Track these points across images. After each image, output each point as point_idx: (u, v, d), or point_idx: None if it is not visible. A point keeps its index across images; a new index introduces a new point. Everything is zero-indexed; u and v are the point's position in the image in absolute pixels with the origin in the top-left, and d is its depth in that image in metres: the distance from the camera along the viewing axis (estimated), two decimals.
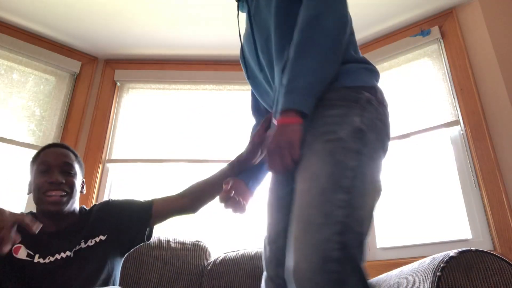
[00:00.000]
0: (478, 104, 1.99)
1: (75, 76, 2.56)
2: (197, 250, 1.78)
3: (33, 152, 2.28)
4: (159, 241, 1.73)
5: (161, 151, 2.45)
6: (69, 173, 1.25)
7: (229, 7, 2.21)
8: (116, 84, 2.63)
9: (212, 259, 1.80)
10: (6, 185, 2.25)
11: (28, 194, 1.28)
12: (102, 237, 1.26)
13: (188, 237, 1.84)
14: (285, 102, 0.82)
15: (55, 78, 2.51)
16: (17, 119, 2.31)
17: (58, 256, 1.18)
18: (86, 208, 1.37)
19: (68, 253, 1.19)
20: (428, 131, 2.13)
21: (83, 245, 1.23)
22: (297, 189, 0.78)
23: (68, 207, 1.24)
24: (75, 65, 2.54)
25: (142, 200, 1.38)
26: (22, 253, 1.14)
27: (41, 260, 1.15)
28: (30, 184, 1.27)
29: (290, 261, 0.70)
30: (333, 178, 0.73)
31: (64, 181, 1.22)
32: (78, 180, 1.30)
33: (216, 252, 1.87)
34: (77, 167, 1.30)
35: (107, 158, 2.43)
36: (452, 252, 1.07)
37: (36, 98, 2.41)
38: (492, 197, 1.83)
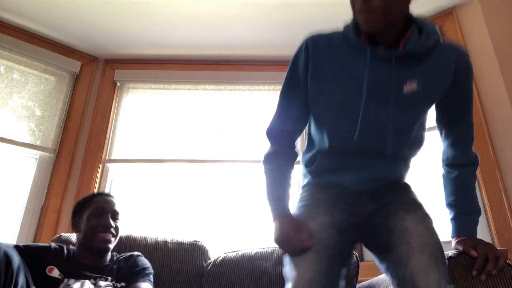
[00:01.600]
0: (478, 104, 1.99)
1: (75, 76, 2.57)
2: (195, 250, 1.75)
3: (33, 152, 2.29)
4: (156, 242, 1.72)
5: (161, 151, 2.45)
6: (117, 219, 1.49)
7: (229, 7, 2.21)
8: (116, 84, 2.63)
9: (211, 259, 1.80)
10: (6, 185, 2.25)
11: (74, 232, 1.49)
12: (123, 284, 1.39)
13: (186, 237, 1.83)
14: (474, 229, 1.13)
15: (55, 78, 2.51)
16: (17, 119, 2.31)
17: (87, 282, 1.31)
18: (116, 254, 1.53)
19: (93, 281, 1.33)
20: (428, 131, 2.12)
21: (109, 281, 1.37)
22: (415, 229, 1.01)
23: (112, 248, 1.45)
24: (75, 65, 2.55)
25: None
26: (55, 273, 1.31)
27: (71, 282, 1.30)
28: (78, 223, 1.47)
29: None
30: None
31: (114, 226, 1.46)
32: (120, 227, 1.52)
33: (215, 252, 1.85)
34: (120, 217, 1.52)
35: (107, 158, 2.43)
36: (451, 253, 1.07)
37: (36, 98, 2.42)
38: (492, 197, 1.82)
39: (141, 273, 1.44)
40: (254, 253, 1.70)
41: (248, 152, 2.45)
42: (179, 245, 1.74)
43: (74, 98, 2.50)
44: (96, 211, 1.45)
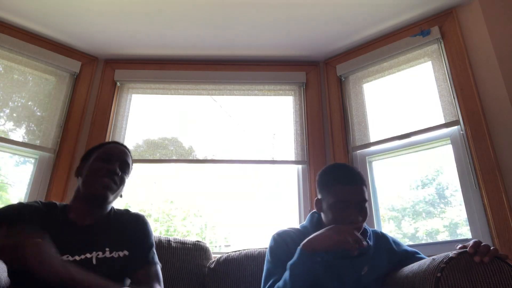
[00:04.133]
0: (478, 104, 1.99)
1: (75, 76, 2.56)
2: (197, 250, 1.78)
3: (33, 151, 2.28)
4: (159, 240, 1.74)
5: (161, 151, 2.45)
6: (125, 172, 1.35)
7: (229, 8, 2.21)
8: (116, 84, 2.63)
9: (213, 259, 1.81)
10: (6, 185, 2.25)
11: (76, 176, 1.35)
12: (126, 253, 1.25)
13: (188, 237, 1.84)
14: None
15: (55, 78, 2.51)
16: (17, 119, 2.31)
17: (82, 257, 1.17)
18: (116, 210, 1.38)
19: (89, 255, 1.18)
20: (428, 131, 2.13)
21: (107, 254, 1.22)
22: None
23: (110, 199, 1.29)
24: (75, 65, 2.54)
25: (153, 249, 1.33)
26: None
27: (83, 256, 1.17)
28: (81, 168, 1.34)
29: None
30: None
31: (120, 173, 1.30)
32: (125, 183, 1.37)
33: (217, 251, 1.87)
34: (129, 172, 1.38)
35: None
36: (452, 253, 1.07)
37: (36, 98, 2.41)
38: (492, 197, 1.82)
39: (151, 252, 1.29)
40: (257, 253, 1.73)
41: (248, 152, 2.45)
42: (182, 245, 1.76)
43: (74, 98, 2.50)
44: (104, 156, 1.32)
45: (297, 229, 1.42)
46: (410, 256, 1.42)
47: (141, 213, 1.41)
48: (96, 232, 1.24)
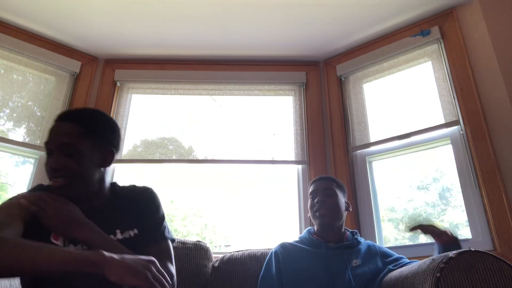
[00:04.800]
0: (478, 104, 1.99)
1: (75, 76, 2.56)
2: (198, 250, 1.79)
3: (33, 151, 2.28)
4: None
5: (160, 151, 2.45)
6: (69, 155, 1.10)
7: (229, 7, 2.21)
8: (116, 84, 2.63)
9: (214, 259, 1.82)
10: (6, 185, 2.25)
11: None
12: (136, 232, 1.16)
13: (188, 237, 1.85)
14: None
15: (55, 78, 2.51)
16: (17, 119, 2.31)
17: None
18: (122, 186, 1.26)
19: (117, 235, 1.13)
20: (428, 131, 2.13)
21: (119, 236, 1.13)
22: None
23: (76, 190, 1.11)
24: (75, 65, 2.54)
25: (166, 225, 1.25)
26: (60, 240, 1.07)
27: (77, 248, 1.07)
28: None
29: None
30: None
31: (58, 167, 1.09)
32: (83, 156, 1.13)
33: (219, 251, 1.88)
34: (76, 145, 1.11)
35: None
36: (451, 253, 1.07)
37: (36, 98, 2.42)
38: (492, 197, 1.82)
39: (161, 227, 1.20)
40: (260, 253, 1.75)
41: (248, 152, 2.45)
42: (183, 245, 1.77)
43: (74, 98, 2.50)
44: (45, 148, 1.10)
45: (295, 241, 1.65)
46: (397, 259, 1.55)
47: (148, 186, 1.28)
48: (103, 216, 1.14)
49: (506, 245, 1.72)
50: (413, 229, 1.41)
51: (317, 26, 2.36)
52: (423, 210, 2.18)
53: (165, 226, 1.22)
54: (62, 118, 1.12)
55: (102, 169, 1.16)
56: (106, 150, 1.16)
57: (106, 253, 0.89)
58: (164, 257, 1.13)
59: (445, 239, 1.36)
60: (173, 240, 1.24)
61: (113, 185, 1.24)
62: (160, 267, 0.95)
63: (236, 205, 2.42)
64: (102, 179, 1.17)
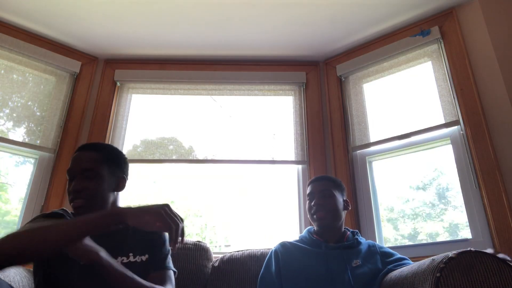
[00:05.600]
0: (478, 104, 1.99)
1: (75, 76, 2.56)
2: (198, 250, 1.79)
3: (33, 151, 2.28)
4: None
5: (160, 151, 2.45)
6: (88, 177, 1.25)
7: (229, 7, 2.21)
8: (116, 84, 2.63)
9: (214, 259, 1.82)
10: (6, 185, 2.25)
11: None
12: (147, 257, 1.27)
13: (188, 238, 1.86)
14: None
15: (55, 78, 2.51)
16: (17, 119, 2.31)
17: (122, 260, 1.21)
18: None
19: (130, 257, 1.24)
20: (428, 131, 2.13)
21: (131, 258, 1.24)
22: None
23: (92, 209, 1.23)
24: (75, 65, 2.54)
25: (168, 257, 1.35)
26: None
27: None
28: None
29: None
30: None
31: (80, 189, 1.23)
32: (100, 178, 1.30)
33: (218, 252, 1.88)
34: (97, 169, 1.28)
35: None
36: (451, 253, 1.07)
37: (36, 98, 2.41)
38: (492, 197, 1.82)
39: (168, 258, 1.31)
40: (260, 253, 1.75)
41: (248, 152, 2.45)
42: (183, 245, 1.77)
43: (74, 98, 2.50)
44: (68, 174, 1.27)
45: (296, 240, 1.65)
46: (398, 260, 1.54)
47: None
48: (118, 238, 1.25)
49: (506, 245, 1.72)
50: None
51: (317, 26, 2.36)
52: (423, 210, 2.18)
53: (170, 258, 1.33)
54: (83, 148, 1.31)
55: (115, 193, 1.32)
56: (119, 177, 1.33)
57: (120, 206, 1.01)
58: (166, 282, 1.25)
59: None
60: (175, 273, 1.33)
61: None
62: (172, 209, 1.06)
63: (236, 205, 2.41)
64: (115, 202, 1.31)
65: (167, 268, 1.29)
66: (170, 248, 1.34)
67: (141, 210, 1.02)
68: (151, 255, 1.28)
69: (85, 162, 1.26)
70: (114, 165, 1.32)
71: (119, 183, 1.33)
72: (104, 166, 1.28)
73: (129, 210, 1.01)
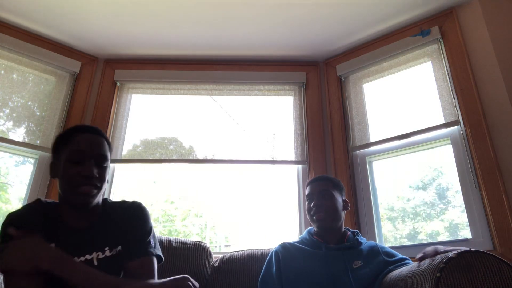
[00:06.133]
0: (478, 104, 1.99)
1: (75, 76, 2.56)
2: (198, 250, 1.79)
3: (33, 151, 2.28)
4: (160, 240, 1.74)
5: (160, 151, 2.45)
6: (102, 166, 1.18)
7: (229, 7, 2.21)
8: (116, 84, 2.63)
9: (214, 259, 1.82)
10: (6, 185, 2.25)
11: (52, 176, 1.21)
12: (120, 248, 1.18)
13: (189, 238, 1.85)
14: None
15: (55, 78, 2.51)
16: (17, 119, 2.31)
17: (82, 258, 1.12)
18: (112, 202, 1.27)
19: (89, 256, 1.14)
20: (428, 131, 2.13)
21: (107, 253, 1.16)
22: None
23: (95, 201, 1.17)
24: (75, 65, 2.54)
25: (155, 244, 1.24)
26: None
27: (82, 258, 1.13)
28: (56, 167, 1.19)
29: None
30: None
31: (96, 175, 1.15)
32: (108, 171, 1.23)
33: (218, 252, 1.88)
34: (108, 160, 1.22)
35: None
36: (451, 253, 1.07)
37: (36, 98, 2.41)
38: (492, 197, 1.82)
39: (144, 242, 1.19)
40: (260, 253, 1.76)
41: (248, 152, 2.45)
42: (183, 245, 1.77)
43: (74, 98, 2.50)
44: (75, 156, 1.14)
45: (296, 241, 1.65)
46: (400, 260, 1.54)
47: (137, 200, 1.28)
48: (93, 233, 1.17)
49: (506, 245, 1.72)
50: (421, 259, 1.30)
51: (317, 26, 2.36)
52: (422, 210, 2.18)
53: (150, 241, 1.21)
54: (93, 131, 1.21)
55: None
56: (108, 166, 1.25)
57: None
58: (144, 274, 1.13)
59: None
60: (160, 258, 1.23)
61: (105, 200, 1.26)
62: (192, 281, 1.06)
63: (236, 205, 2.41)
64: (103, 192, 1.24)
65: (145, 254, 1.17)
66: (150, 228, 1.24)
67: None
68: (125, 244, 1.18)
69: (101, 148, 1.19)
70: (110, 153, 1.27)
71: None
72: (110, 155, 1.25)
73: None
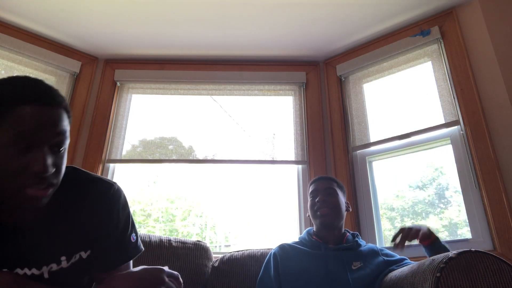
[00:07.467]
0: (478, 104, 1.99)
1: (75, 76, 2.56)
2: (198, 250, 1.79)
3: None
4: (160, 240, 1.74)
5: (160, 151, 2.45)
6: (59, 150, 0.78)
7: (229, 7, 2.21)
8: (116, 84, 2.63)
9: (214, 259, 1.83)
10: None
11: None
12: (89, 252, 0.91)
13: (188, 237, 1.85)
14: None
15: (55, 78, 2.51)
16: None
17: (28, 272, 0.83)
18: (77, 184, 0.90)
19: (36, 271, 0.84)
20: (428, 131, 2.13)
21: (64, 264, 0.87)
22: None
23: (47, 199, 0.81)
24: (75, 65, 2.54)
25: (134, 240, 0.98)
26: None
27: (28, 272, 0.83)
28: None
29: None
30: None
31: (53, 170, 0.76)
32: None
33: (218, 252, 1.88)
34: (67, 137, 0.81)
35: (107, 158, 2.43)
36: (451, 253, 1.07)
37: None
38: (492, 197, 1.82)
39: (121, 246, 0.91)
40: (260, 253, 1.76)
41: (248, 152, 2.45)
42: (183, 244, 1.78)
43: (74, 98, 2.50)
44: (19, 141, 0.72)
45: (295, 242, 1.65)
46: (399, 260, 1.55)
47: (113, 184, 0.95)
48: (45, 237, 0.84)
49: (506, 245, 1.72)
50: (395, 238, 1.40)
51: (317, 26, 2.36)
52: (422, 210, 2.18)
53: (131, 238, 0.96)
54: (44, 100, 0.76)
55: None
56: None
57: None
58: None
59: (427, 241, 1.40)
60: (140, 251, 0.99)
61: (64, 177, 0.83)
62: (171, 271, 0.84)
63: (236, 205, 2.42)
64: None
65: (127, 260, 0.95)
66: (129, 224, 0.96)
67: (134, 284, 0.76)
68: (94, 249, 0.91)
69: (59, 125, 0.78)
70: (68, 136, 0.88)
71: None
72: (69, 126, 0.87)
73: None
